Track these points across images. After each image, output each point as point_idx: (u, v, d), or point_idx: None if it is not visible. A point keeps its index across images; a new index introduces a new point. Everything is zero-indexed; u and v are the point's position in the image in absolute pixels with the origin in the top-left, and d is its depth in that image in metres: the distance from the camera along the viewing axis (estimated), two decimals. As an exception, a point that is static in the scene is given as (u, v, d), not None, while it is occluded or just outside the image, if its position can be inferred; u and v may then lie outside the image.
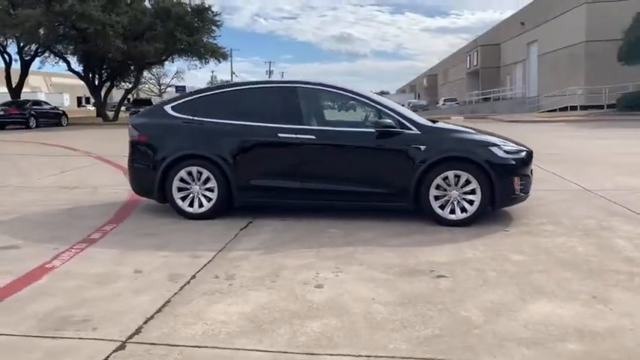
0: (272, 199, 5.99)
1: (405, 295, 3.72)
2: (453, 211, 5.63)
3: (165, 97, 49.83)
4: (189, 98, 6.31)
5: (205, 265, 4.41)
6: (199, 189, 6.00)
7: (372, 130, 5.76)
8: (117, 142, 18.10)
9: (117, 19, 26.33)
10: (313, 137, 5.80)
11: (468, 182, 5.57)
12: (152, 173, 6.07)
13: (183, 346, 2.96)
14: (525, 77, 44.44)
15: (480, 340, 3.03)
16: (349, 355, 2.87)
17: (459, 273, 4.18)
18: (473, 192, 5.57)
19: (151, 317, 3.35)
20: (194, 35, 30.07)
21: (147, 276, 4.14)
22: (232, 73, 71.50)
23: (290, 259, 4.54)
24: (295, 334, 3.11)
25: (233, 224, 5.78)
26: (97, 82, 33.90)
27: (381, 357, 2.85)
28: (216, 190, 5.94)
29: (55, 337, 3.06)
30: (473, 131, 6.00)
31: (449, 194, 5.61)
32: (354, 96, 6.08)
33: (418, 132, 5.71)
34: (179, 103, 6.25)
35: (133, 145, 6.28)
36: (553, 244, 4.98)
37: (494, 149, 5.63)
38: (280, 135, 5.84)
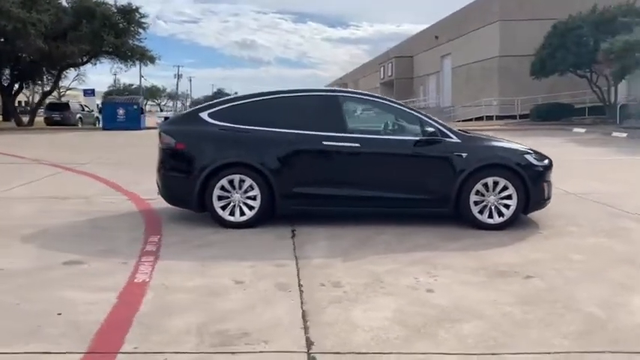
0: (316, 207, 6.02)
1: (519, 296, 3.93)
2: (490, 216, 5.95)
3: (65, 100, 45.92)
4: (227, 105, 6.17)
5: (299, 273, 4.38)
6: (240, 197, 5.88)
7: (416, 138, 5.96)
8: (57, 148, 16.99)
9: (38, 17, 24.56)
10: (358, 145, 5.90)
11: (505, 188, 5.91)
12: (190, 182, 5.87)
13: (371, 353, 2.98)
14: (439, 88, 46.78)
15: (621, 334, 3.30)
16: (529, 353, 3.03)
17: (541, 273, 4.46)
18: (509, 197, 5.92)
19: (306, 327, 3.31)
20: (121, 37, 28.72)
21: (253, 286, 4.05)
22: (141, 76, 68.65)
23: (375, 266, 4.61)
24: (460, 337, 3.22)
25: (278, 233, 5.73)
26: (6, 84, 31.34)
27: (560, 352, 3.04)
28: (259, 198, 5.86)
29: (235, 353, 2.95)
30: (503, 139, 6.38)
31: (487, 199, 5.92)
32: (394, 105, 6.27)
33: (458, 140, 5.99)
34: (217, 110, 6.10)
35: (168, 152, 6.03)
36: (591, 244, 5.42)
37: (528, 157, 6.04)
38: (325, 143, 5.88)
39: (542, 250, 5.21)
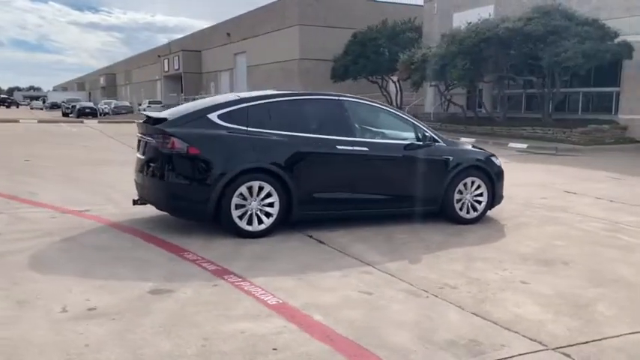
0: (332, 211, 6.02)
1: (584, 280, 4.63)
2: (467, 212, 6.70)
3: None
4: (238, 107, 5.70)
5: (399, 279, 4.44)
6: (257, 205, 5.55)
7: (415, 142, 6.36)
8: None
9: None
10: (367, 149, 6.07)
11: (478, 187, 6.71)
12: (206, 190, 5.34)
13: (592, 342, 3.35)
14: (233, 85, 47.26)
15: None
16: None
17: (566, 259, 5.24)
18: (481, 195, 6.74)
19: (507, 328, 3.51)
20: None
21: (389, 296, 4.04)
22: None
23: (446, 265, 4.93)
24: (611, 318, 3.78)
25: (299, 239, 5.63)
26: None
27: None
28: (277, 205, 5.61)
29: (505, 359, 3.03)
30: (469, 144, 7.19)
31: (464, 197, 6.66)
32: (391, 111, 6.61)
33: (445, 144, 6.60)
34: (226, 112, 5.62)
35: (178, 158, 5.35)
36: (553, 231, 6.50)
37: (493, 159, 6.94)
38: (339, 147, 5.92)
39: (529, 238, 6.07)
